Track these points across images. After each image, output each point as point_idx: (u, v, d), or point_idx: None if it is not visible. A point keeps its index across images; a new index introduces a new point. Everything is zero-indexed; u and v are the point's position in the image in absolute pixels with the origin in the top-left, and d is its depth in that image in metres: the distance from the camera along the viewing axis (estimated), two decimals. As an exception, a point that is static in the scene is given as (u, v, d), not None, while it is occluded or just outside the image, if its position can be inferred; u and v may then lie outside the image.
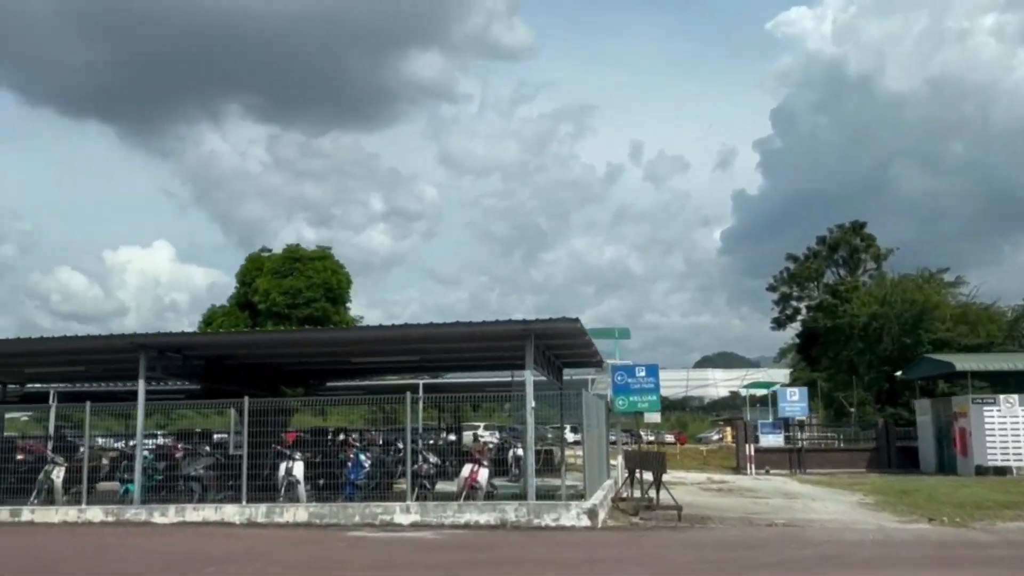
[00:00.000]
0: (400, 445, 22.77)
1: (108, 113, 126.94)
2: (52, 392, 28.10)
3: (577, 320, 14.94)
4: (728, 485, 24.91)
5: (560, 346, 17.62)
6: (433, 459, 16.52)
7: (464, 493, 15.77)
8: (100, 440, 27.42)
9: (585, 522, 14.52)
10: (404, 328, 15.66)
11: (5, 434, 24.31)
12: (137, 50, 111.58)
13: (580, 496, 16.28)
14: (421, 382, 26.43)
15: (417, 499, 15.69)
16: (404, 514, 15.17)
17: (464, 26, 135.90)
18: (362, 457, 16.71)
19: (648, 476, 17.66)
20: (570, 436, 32.44)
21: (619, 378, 20.30)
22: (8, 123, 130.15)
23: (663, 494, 16.52)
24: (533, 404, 15.56)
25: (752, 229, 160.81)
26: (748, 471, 29.80)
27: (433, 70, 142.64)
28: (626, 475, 19.39)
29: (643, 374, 20.41)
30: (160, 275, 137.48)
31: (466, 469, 16.07)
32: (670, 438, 48.96)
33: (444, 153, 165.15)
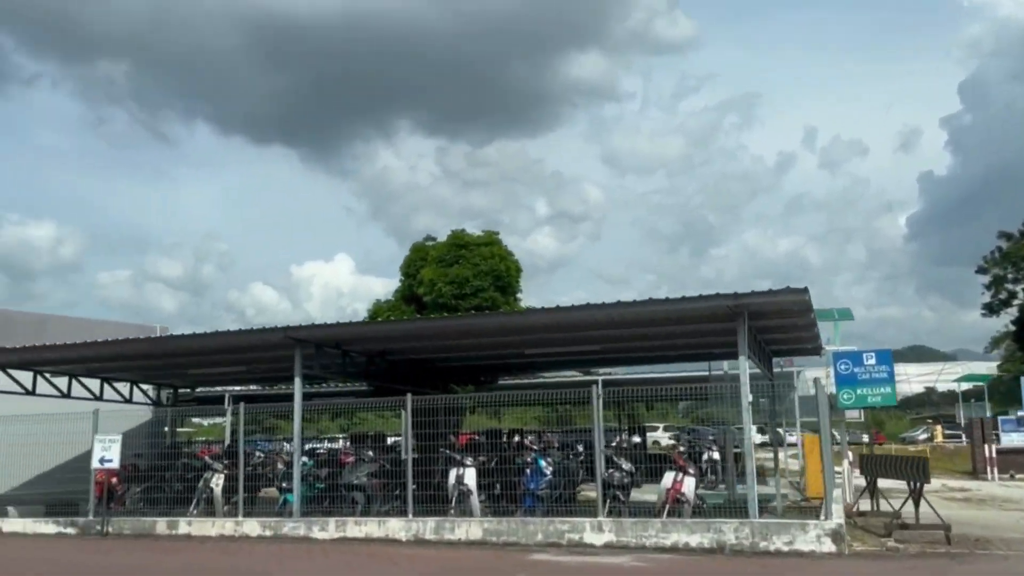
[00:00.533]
0: (580, 448, 20.32)
1: (291, 138, 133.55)
2: (227, 396, 27.58)
3: (805, 291, 11.87)
4: (974, 494, 20.81)
5: (774, 328, 14.51)
6: (627, 466, 13.85)
7: (667, 507, 13.03)
8: (287, 445, 26.64)
9: (828, 547, 11.40)
10: (586, 309, 13.08)
11: (175, 440, 23.79)
12: (315, 77, 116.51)
13: (794, 506, 13.23)
14: (600, 377, 23.83)
15: (609, 514, 13.08)
16: (595, 532, 12.60)
17: (625, 24, 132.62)
18: (543, 463, 14.29)
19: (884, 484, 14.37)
20: (756, 438, 28.93)
21: (843, 367, 16.91)
22: (205, 152, 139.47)
23: (922, 508, 13.11)
24: (750, 398, 12.60)
25: (942, 212, 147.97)
26: (989, 476, 25.26)
27: (594, 71, 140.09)
28: (856, 484, 16.03)
29: (872, 362, 16.95)
30: (342, 286, 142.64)
31: (668, 478, 13.32)
32: (866, 438, 44.00)
33: (607, 153, 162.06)
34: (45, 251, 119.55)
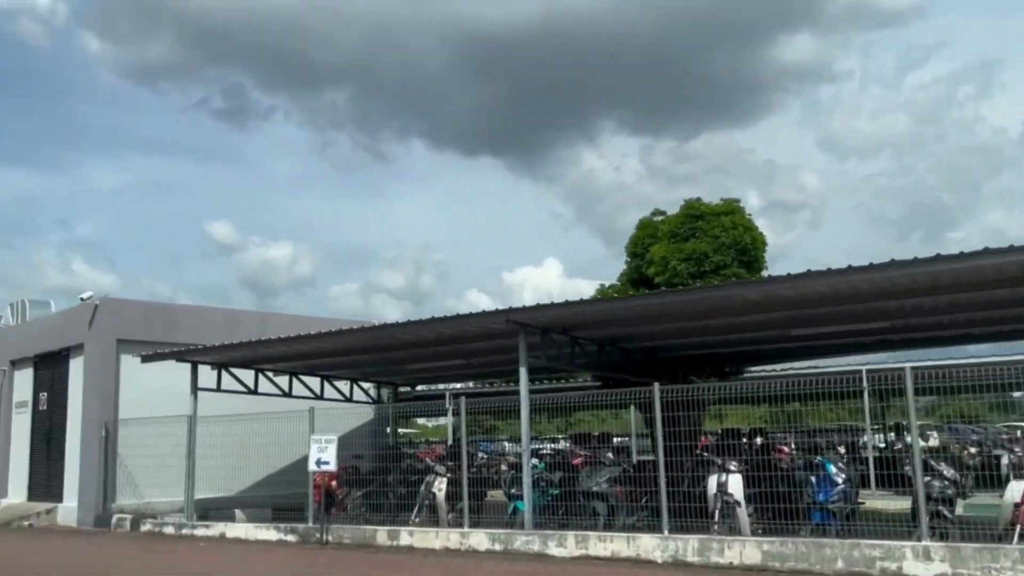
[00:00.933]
0: (842, 450, 17.06)
1: (498, 148, 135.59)
2: (448, 394, 26.53)
3: None
4: None
5: None
6: (948, 472, 10.63)
7: (1018, 529, 9.72)
8: (507, 445, 25.32)
9: None
10: (887, 268, 9.94)
11: (396, 440, 22.80)
12: (519, 87, 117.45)
13: None
14: (864, 367, 20.18)
15: (932, 535, 9.94)
16: (920, 561, 9.52)
17: (838, 0, 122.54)
18: (832, 468, 11.32)
19: None
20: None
21: None
22: (420, 168, 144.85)
23: None
24: None
25: None
26: None
27: (806, 53, 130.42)
28: None
29: None
30: (551, 290, 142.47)
31: (1015, 488, 9.99)
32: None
33: (824, 137, 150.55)
34: (283, 269, 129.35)
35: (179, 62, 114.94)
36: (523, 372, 13.16)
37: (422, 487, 14.73)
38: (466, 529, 13.06)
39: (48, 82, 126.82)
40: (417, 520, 14.37)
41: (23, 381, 22.30)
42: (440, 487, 14.46)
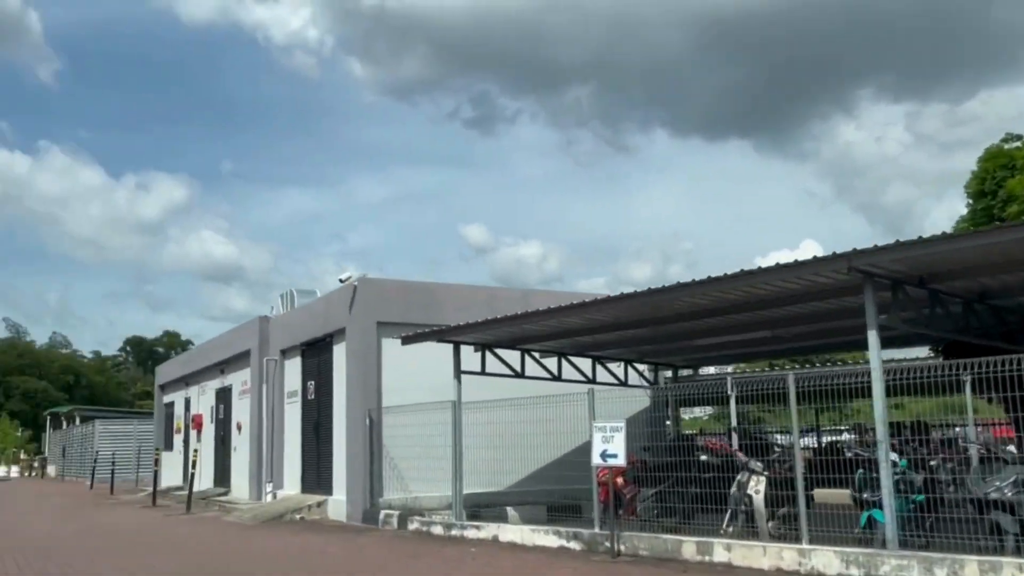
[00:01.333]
0: None
1: (744, 129, 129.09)
2: (729, 379, 23.22)
3: None
4: None
5: None
6: None
7: None
8: (778, 437, 21.78)
9: None
10: None
11: (681, 430, 19.96)
12: (764, 66, 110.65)
13: None
14: None
15: None
16: None
17: None
18: None
19: None
20: None
21: None
22: (664, 157, 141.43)
23: None
24: None
25: None
26: None
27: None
28: None
29: None
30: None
31: None
32: None
33: None
34: (534, 267, 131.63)
35: (431, 76, 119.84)
36: (873, 337, 9.81)
37: (733, 488, 11.76)
38: (806, 545, 9.92)
39: (319, 107, 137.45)
40: (730, 530, 11.44)
41: (292, 370, 21.97)
42: (757, 488, 11.42)
